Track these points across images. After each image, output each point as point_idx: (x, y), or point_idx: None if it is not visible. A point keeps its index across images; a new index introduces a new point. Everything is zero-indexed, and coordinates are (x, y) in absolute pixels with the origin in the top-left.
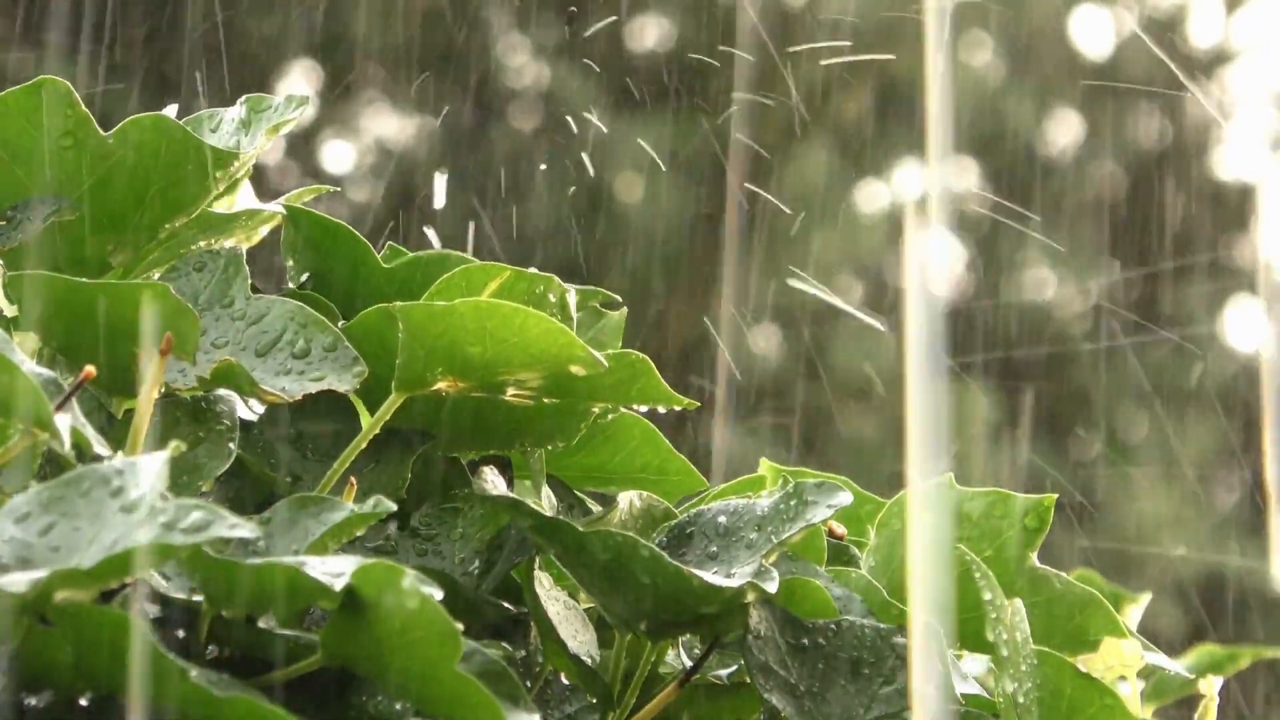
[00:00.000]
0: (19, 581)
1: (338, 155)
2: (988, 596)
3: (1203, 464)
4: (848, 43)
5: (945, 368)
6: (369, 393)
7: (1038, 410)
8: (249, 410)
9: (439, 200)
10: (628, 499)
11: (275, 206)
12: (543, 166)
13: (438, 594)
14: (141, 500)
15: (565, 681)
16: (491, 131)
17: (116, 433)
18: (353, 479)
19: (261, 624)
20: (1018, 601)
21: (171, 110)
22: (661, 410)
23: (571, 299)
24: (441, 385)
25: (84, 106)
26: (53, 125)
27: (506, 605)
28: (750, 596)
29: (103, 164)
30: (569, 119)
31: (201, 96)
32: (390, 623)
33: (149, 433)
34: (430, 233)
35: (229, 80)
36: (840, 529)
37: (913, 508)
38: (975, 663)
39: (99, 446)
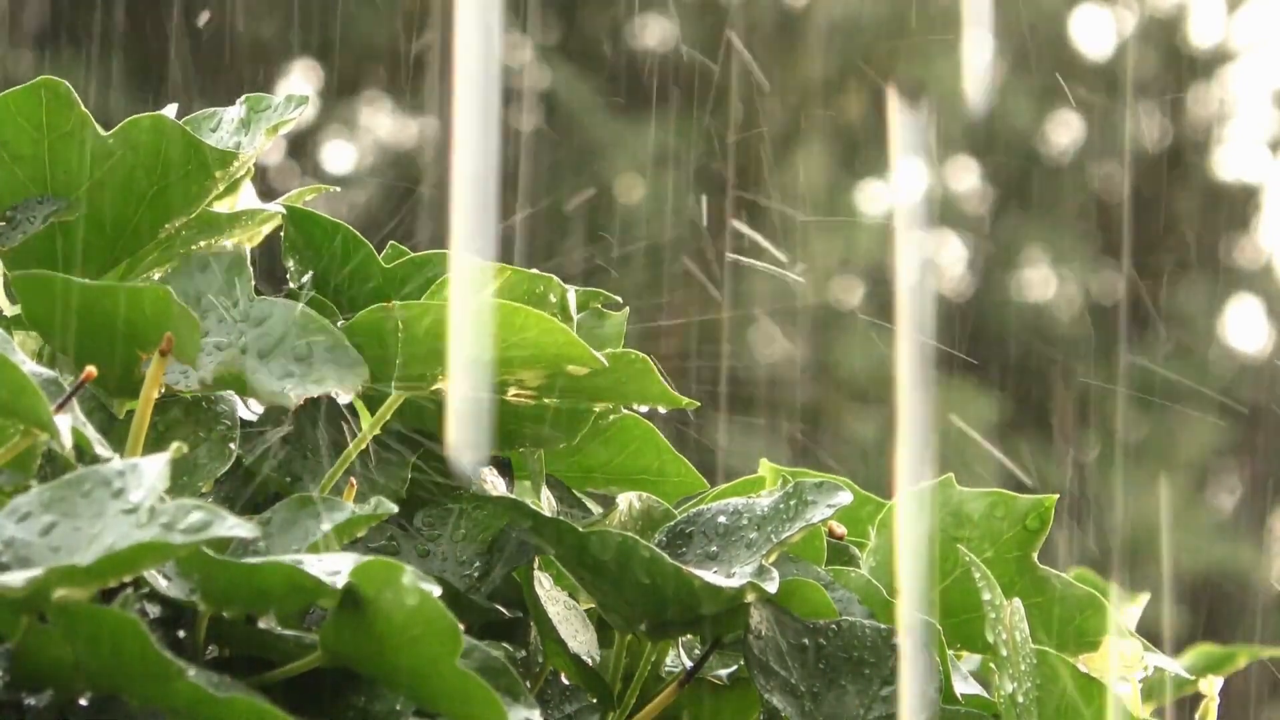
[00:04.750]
0: (17, 579)
1: (338, 155)
2: (987, 597)
3: (1203, 463)
4: (849, 42)
5: (945, 367)
6: (369, 393)
7: (1037, 410)
8: (249, 411)
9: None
10: (627, 500)
11: (275, 206)
12: (543, 166)
13: (436, 590)
14: (142, 501)
15: (565, 681)
16: (490, 131)
17: (117, 433)
18: (353, 479)
19: (261, 624)
20: (1017, 601)
21: (171, 110)
22: (662, 411)
23: (572, 299)
24: (441, 385)
25: (83, 106)
26: (53, 125)
27: (501, 609)
28: (750, 596)
29: (102, 164)
30: (569, 119)
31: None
32: (390, 620)
33: (150, 434)
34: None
35: (229, 79)
36: (840, 529)
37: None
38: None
39: (100, 447)
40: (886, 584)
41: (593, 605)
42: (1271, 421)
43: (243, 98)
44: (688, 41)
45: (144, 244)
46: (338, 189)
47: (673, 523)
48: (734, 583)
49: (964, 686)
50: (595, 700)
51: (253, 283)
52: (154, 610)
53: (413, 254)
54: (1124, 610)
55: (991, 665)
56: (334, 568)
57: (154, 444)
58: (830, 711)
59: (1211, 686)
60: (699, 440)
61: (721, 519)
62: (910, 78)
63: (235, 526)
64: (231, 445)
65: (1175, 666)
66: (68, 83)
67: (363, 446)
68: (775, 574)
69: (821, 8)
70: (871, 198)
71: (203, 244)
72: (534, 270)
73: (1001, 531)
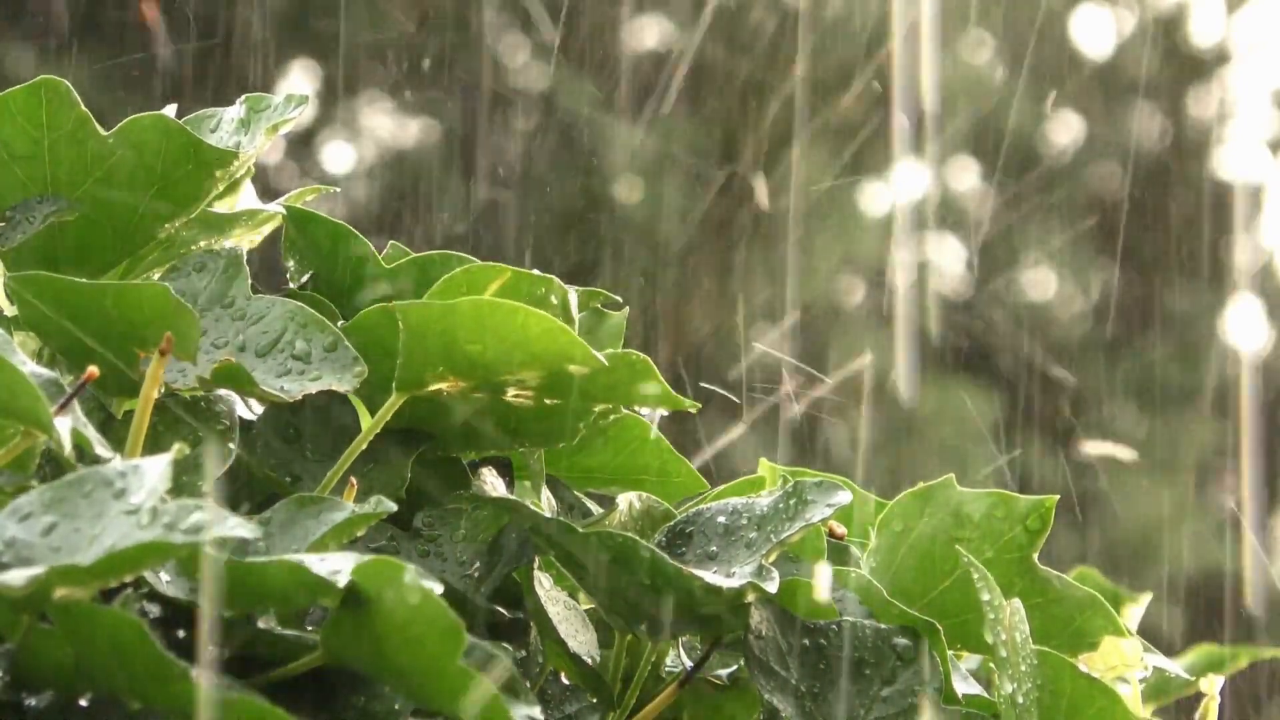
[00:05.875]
0: (17, 578)
1: (338, 155)
2: (986, 597)
3: (1203, 463)
4: (846, 42)
5: (944, 367)
6: (369, 393)
7: (1038, 410)
8: (249, 410)
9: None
10: (627, 500)
11: (275, 206)
12: (543, 166)
13: (438, 588)
14: (144, 502)
15: (565, 681)
16: (491, 131)
17: (116, 433)
18: (353, 479)
19: (261, 624)
20: (1016, 602)
21: (171, 110)
22: (663, 412)
23: (573, 300)
24: (442, 385)
25: (84, 106)
26: (53, 125)
27: (502, 610)
28: (750, 597)
29: (102, 164)
30: (568, 119)
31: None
32: (391, 619)
33: (149, 433)
34: None
35: (227, 79)
36: (840, 529)
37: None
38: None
39: (99, 447)
40: (886, 584)
41: (593, 605)
42: (1271, 421)
43: (243, 97)
44: (686, 41)
45: (144, 244)
46: (338, 189)
47: (673, 523)
48: (734, 583)
49: (964, 686)
50: (595, 700)
51: (250, 281)
52: (154, 610)
53: (413, 254)
54: (1124, 610)
55: (991, 665)
56: (335, 567)
57: (153, 443)
58: (830, 712)
59: (1212, 686)
60: (698, 439)
61: (721, 519)
62: (910, 77)
63: (236, 527)
64: (231, 444)
65: (1175, 667)
66: (67, 82)
67: (363, 446)
68: (775, 574)
69: (821, 7)
70: (872, 198)
71: (203, 244)
72: (535, 271)
73: (1002, 532)
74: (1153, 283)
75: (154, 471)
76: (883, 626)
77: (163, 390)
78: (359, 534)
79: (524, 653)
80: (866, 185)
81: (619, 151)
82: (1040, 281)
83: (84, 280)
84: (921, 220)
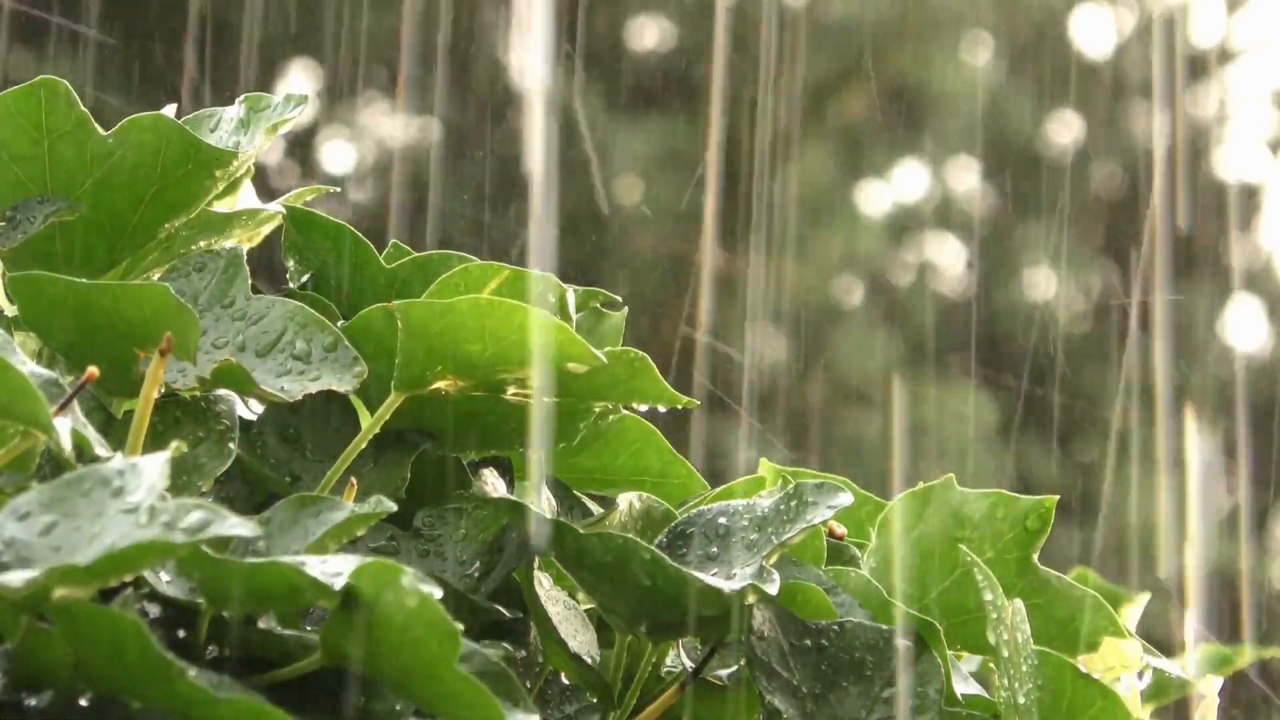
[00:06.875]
0: (17, 579)
1: (338, 155)
2: (989, 597)
3: (1203, 463)
4: (849, 42)
5: (944, 367)
6: (369, 393)
7: (1038, 410)
8: (249, 410)
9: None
10: (627, 500)
11: (275, 206)
12: (543, 166)
13: (437, 592)
14: (143, 501)
15: (565, 681)
16: (491, 131)
17: (116, 433)
18: (353, 479)
19: (261, 624)
20: (1018, 602)
21: (171, 110)
22: (661, 409)
23: (571, 299)
24: (441, 384)
25: (83, 106)
26: (53, 125)
27: (501, 609)
28: (751, 598)
29: (102, 164)
30: (568, 119)
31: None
32: (389, 622)
33: (149, 433)
34: None
35: (228, 79)
36: (840, 529)
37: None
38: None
39: (99, 447)
40: (887, 585)
41: (593, 605)
42: (1271, 421)
43: (242, 97)
44: (686, 42)
45: (144, 244)
46: (338, 189)
47: (673, 523)
48: (735, 584)
49: (964, 687)
50: (595, 700)
51: (250, 281)
52: (154, 610)
53: (414, 254)
54: (1124, 610)
55: (992, 666)
56: (334, 569)
57: (153, 443)
58: (831, 713)
59: (1211, 687)
60: (698, 440)
61: (722, 520)
62: (910, 78)
63: (236, 526)
64: (231, 444)
65: (1174, 667)
66: (67, 83)
67: (362, 446)
68: (776, 575)
69: (821, 7)
70: (872, 198)
71: (202, 244)
72: (533, 269)
73: (1002, 532)
74: (1152, 282)
75: (152, 470)
76: (884, 627)
77: (163, 390)
78: (359, 534)
79: (524, 653)
80: (866, 185)
81: (618, 151)
82: (1040, 281)
83: (84, 280)
84: (921, 220)
